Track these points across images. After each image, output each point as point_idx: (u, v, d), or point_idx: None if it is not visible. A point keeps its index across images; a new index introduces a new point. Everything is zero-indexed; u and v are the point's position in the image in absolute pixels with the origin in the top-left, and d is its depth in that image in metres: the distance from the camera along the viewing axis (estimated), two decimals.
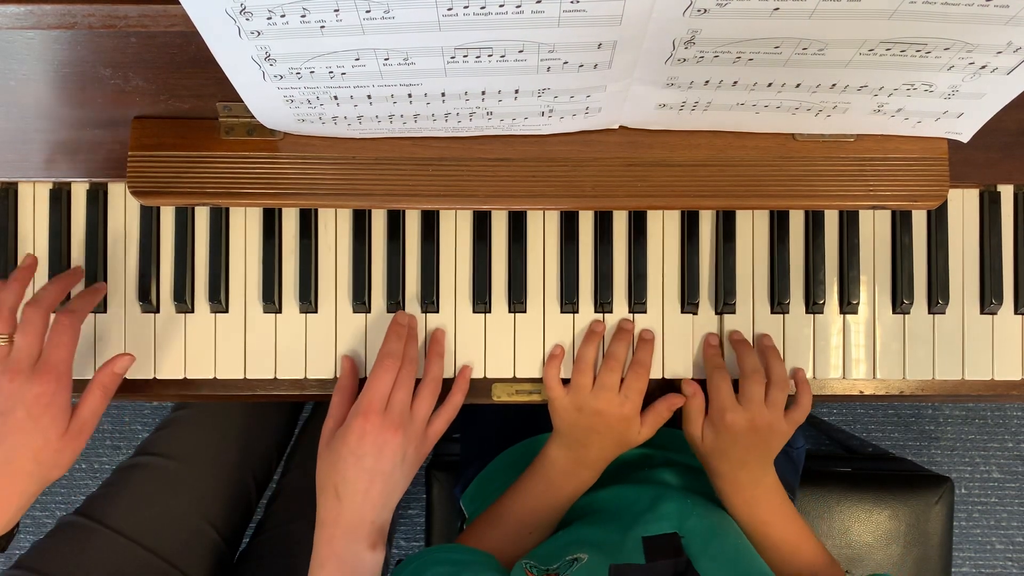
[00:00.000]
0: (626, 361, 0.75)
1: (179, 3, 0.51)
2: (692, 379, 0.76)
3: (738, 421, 0.71)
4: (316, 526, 0.69)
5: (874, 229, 0.77)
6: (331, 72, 0.58)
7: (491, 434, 0.96)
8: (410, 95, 0.62)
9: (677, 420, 0.86)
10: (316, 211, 0.76)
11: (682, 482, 0.83)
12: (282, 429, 1.08)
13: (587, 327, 0.76)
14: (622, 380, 0.74)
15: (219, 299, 0.76)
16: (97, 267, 0.76)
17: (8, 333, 0.65)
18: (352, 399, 0.73)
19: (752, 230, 0.77)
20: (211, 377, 0.76)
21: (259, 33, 0.54)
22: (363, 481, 0.67)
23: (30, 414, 0.63)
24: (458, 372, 0.76)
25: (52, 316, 0.67)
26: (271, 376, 0.76)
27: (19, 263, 0.73)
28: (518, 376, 0.77)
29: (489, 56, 0.57)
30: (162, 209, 0.76)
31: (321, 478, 0.70)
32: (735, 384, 0.74)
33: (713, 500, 0.80)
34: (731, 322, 0.77)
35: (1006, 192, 0.77)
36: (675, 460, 0.85)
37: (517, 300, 0.76)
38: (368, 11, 0.52)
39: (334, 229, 0.77)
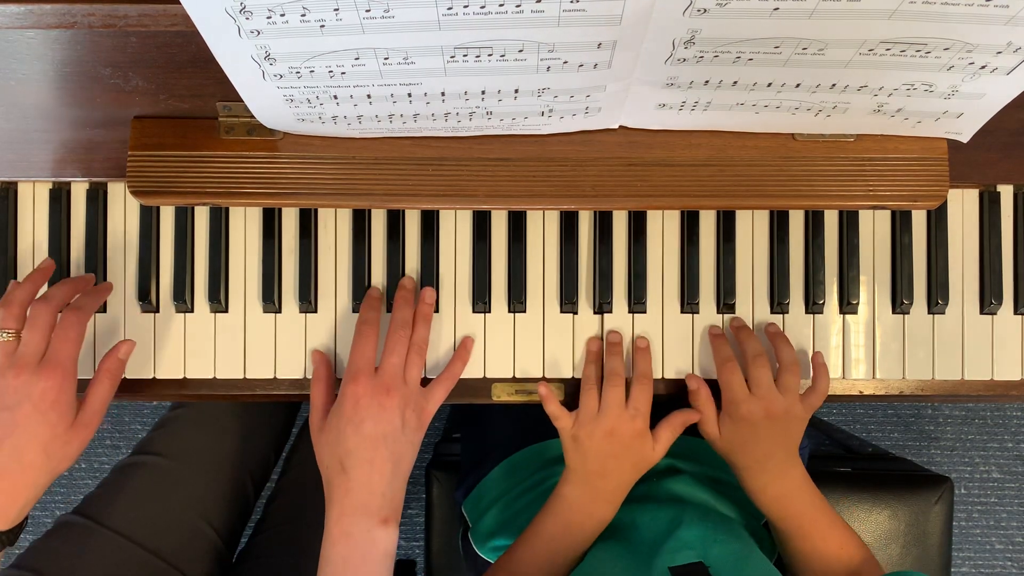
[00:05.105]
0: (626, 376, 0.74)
1: (179, 3, 0.51)
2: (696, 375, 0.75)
3: (753, 411, 0.70)
4: (326, 507, 0.68)
5: (874, 229, 0.77)
6: (331, 71, 0.58)
7: (492, 435, 0.96)
8: (410, 95, 0.62)
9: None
10: (316, 211, 0.76)
11: (689, 493, 0.82)
12: (280, 428, 1.08)
13: (583, 349, 0.76)
14: (627, 399, 0.73)
15: (219, 299, 0.76)
16: (97, 267, 0.76)
17: (16, 329, 0.65)
18: (331, 389, 0.73)
19: (752, 230, 0.77)
20: (211, 377, 0.76)
21: (259, 32, 0.54)
22: (367, 449, 0.66)
23: (37, 408, 0.64)
24: (459, 343, 0.76)
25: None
26: (271, 376, 0.76)
27: (36, 266, 0.73)
28: (518, 376, 0.77)
29: (489, 56, 0.57)
30: (162, 209, 0.76)
31: (323, 460, 0.68)
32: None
33: (728, 517, 0.79)
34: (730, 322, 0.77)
35: (1006, 192, 0.78)
36: (678, 467, 0.85)
37: (517, 300, 0.76)
38: (368, 10, 0.52)
39: (334, 229, 0.77)
